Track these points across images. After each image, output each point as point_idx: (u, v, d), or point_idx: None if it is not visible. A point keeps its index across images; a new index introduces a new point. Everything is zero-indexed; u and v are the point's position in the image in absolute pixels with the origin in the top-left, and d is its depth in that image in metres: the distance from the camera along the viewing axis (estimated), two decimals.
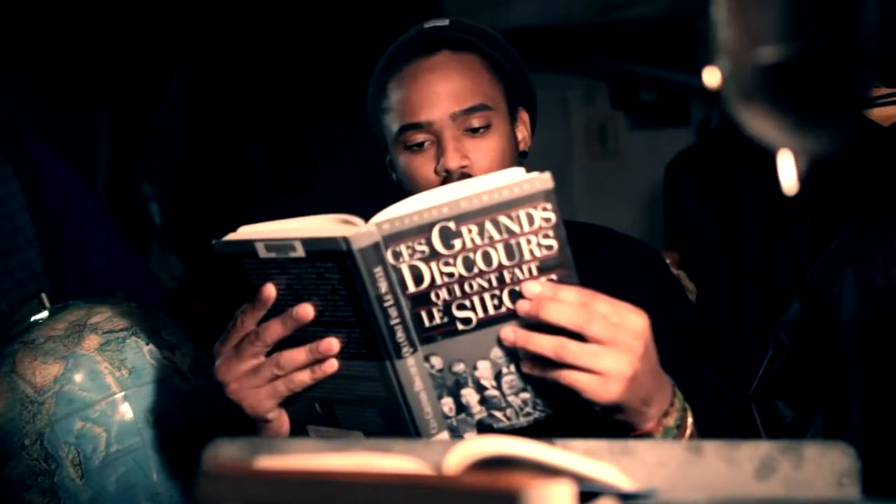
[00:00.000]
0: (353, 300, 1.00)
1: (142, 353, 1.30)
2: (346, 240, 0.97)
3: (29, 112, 3.11)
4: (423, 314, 1.02)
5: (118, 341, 1.30)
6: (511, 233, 1.01)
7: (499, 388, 1.06)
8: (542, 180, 1.00)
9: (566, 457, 0.79)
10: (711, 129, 2.86)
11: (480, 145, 1.32)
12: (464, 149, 1.30)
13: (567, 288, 1.01)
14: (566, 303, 0.99)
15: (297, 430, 1.11)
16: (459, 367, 1.05)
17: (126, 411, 1.26)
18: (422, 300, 1.02)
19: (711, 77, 0.74)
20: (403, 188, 1.37)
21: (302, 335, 1.05)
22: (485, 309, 1.03)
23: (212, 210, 3.60)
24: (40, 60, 3.29)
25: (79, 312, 1.34)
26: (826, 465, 0.85)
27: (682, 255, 2.54)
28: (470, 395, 1.06)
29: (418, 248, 1.00)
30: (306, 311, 1.02)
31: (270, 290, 1.03)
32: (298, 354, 1.04)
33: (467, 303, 1.03)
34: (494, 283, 1.02)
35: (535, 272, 1.02)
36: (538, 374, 1.02)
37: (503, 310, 1.03)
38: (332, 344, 1.03)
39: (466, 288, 1.02)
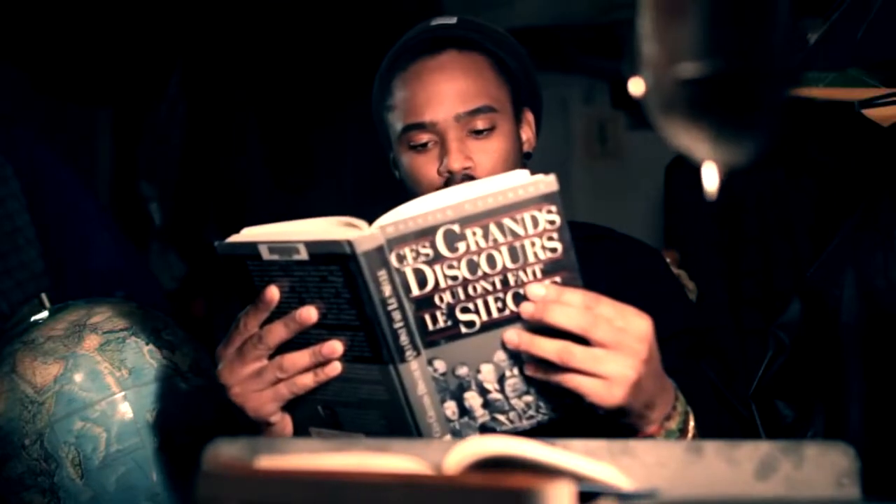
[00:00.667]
0: (357, 303, 1.00)
1: (142, 353, 1.30)
2: (350, 243, 0.96)
3: (29, 112, 3.11)
4: (427, 317, 1.02)
5: (118, 341, 1.30)
6: (515, 235, 1.01)
7: (502, 391, 1.06)
8: (547, 183, 1.00)
9: (566, 457, 0.79)
10: None
11: (484, 147, 1.31)
12: (467, 150, 1.30)
13: (571, 291, 1.00)
14: (571, 306, 0.99)
15: (300, 432, 1.11)
16: (463, 371, 1.05)
17: (126, 411, 1.26)
18: (425, 303, 1.01)
19: (636, 87, 0.76)
20: (406, 187, 1.37)
21: (305, 338, 1.04)
22: (489, 312, 1.03)
23: (212, 210, 3.59)
24: (41, 60, 3.29)
25: (79, 312, 1.34)
26: (826, 465, 0.85)
27: (682, 255, 2.54)
28: (473, 399, 1.06)
29: (422, 251, 1.00)
30: (309, 313, 1.02)
31: (273, 293, 1.03)
32: (301, 357, 1.04)
33: (471, 306, 1.02)
34: (498, 285, 1.02)
35: (539, 275, 1.01)
36: (542, 377, 1.02)
37: (507, 313, 1.02)
38: (336, 347, 1.03)
39: (470, 291, 1.02)
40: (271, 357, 1.05)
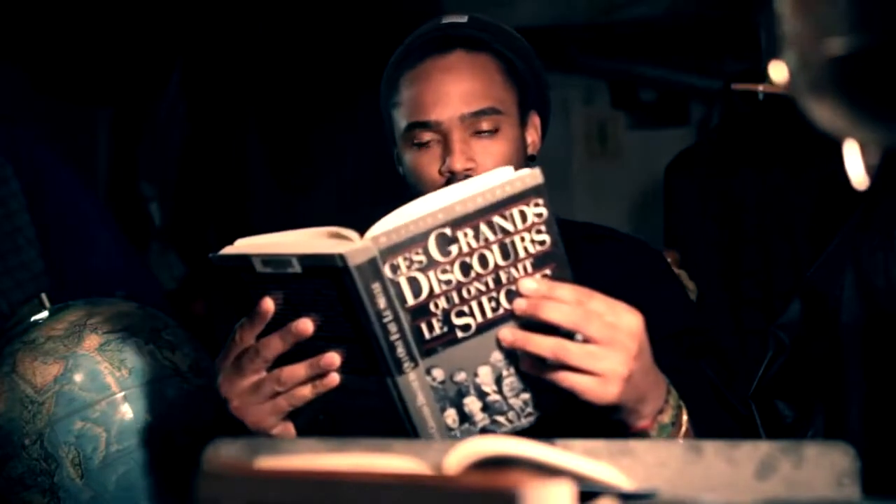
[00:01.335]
0: (352, 316, 0.99)
1: (142, 353, 1.30)
2: (342, 257, 0.95)
3: (29, 111, 3.11)
4: (423, 326, 1.01)
5: (118, 341, 1.30)
6: (506, 232, 1.00)
7: (500, 391, 1.05)
8: (533, 175, 1.00)
9: (566, 457, 0.79)
10: (711, 129, 2.86)
11: (488, 148, 1.31)
12: (470, 151, 1.30)
13: (563, 286, 1.01)
14: (563, 301, 1.00)
15: None
16: (461, 377, 1.04)
17: (126, 411, 1.26)
18: (421, 312, 1.00)
19: (777, 71, 0.73)
20: (408, 183, 1.37)
21: (302, 349, 1.04)
22: (483, 313, 1.02)
23: (212, 210, 3.59)
24: (41, 59, 3.29)
25: (79, 312, 1.34)
26: (826, 465, 0.85)
27: (682, 255, 2.54)
28: (472, 404, 1.05)
29: (416, 258, 0.99)
30: (305, 326, 1.01)
31: (268, 305, 1.02)
32: (299, 370, 1.03)
33: (466, 309, 1.02)
34: (491, 285, 1.01)
35: (529, 269, 1.01)
36: (536, 374, 1.02)
37: (500, 312, 1.02)
38: (333, 359, 1.02)
39: (464, 293, 1.01)
40: (270, 369, 1.05)
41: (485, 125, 1.31)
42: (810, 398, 1.73)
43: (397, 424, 1.04)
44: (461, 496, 0.65)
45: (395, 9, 3.21)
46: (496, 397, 1.05)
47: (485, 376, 1.05)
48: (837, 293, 1.66)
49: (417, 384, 1.02)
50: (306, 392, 1.04)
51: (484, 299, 1.02)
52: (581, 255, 1.40)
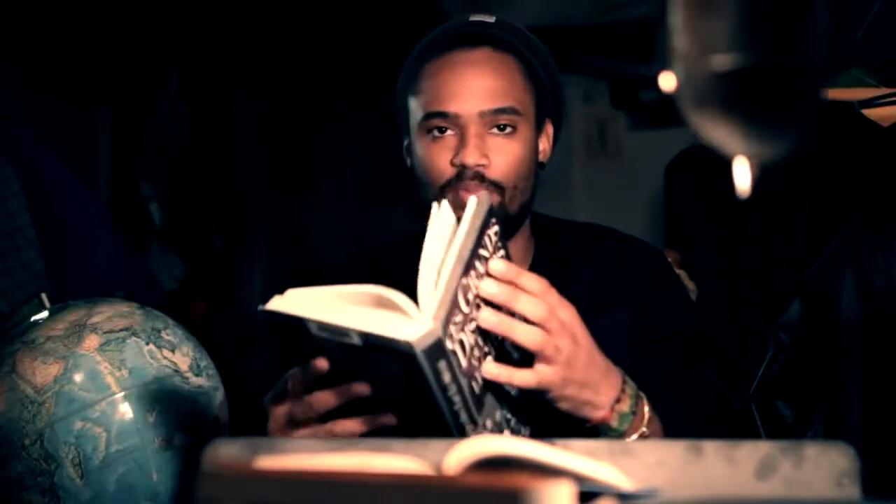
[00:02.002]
0: (415, 389, 0.97)
1: (142, 353, 1.30)
2: (409, 345, 0.92)
3: (29, 111, 3.11)
4: (473, 384, 1.00)
5: (118, 341, 1.30)
6: (485, 259, 1.02)
7: (517, 413, 1.08)
8: (483, 198, 1.02)
9: (566, 457, 0.79)
10: None
11: (502, 147, 1.31)
12: (485, 147, 1.30)
13: (527, 276, 1.05)
14: (532, 294, 1.04)
15: None
16: (497, 416, 1.05)
17: (126, 411, 1.26)
18: (470, 370, 1.00)
19: (667, 82, 0.76)
20: (416, 174, 1.36)
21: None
22: (492, 344, 1.04)
23: (212, 210, 3.59)
24: (41, 59, 3.29)
25: (79, 312, 1.34)
26: (826, 465, 0.85)
27: (682, 255, 2.54)
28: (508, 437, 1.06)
29: (456, 319, 0.97)
30: (363, 390, 1.02)
31: (323, 366, 1.02)
32: (354, 426, 1.05)
33: (486, 349, 1.03)
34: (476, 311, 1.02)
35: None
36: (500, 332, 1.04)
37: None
38: (391, 419, 1.04)
39: (481, 336, 1.02)
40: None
41: (502, 123, 1.31)
42: (810, 398, 1.73)
43: None
44: (461, 496, 0.65)
45: (396, 9, 3.21)
46: (514, 423, 1.08)
47: (504, 407, 1.06)
48: (837, 293, 1.67)
49: None
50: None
51: (489, 333, 1.03)
52: (583, 256, 1.40)
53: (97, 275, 2.16)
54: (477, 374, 1.01)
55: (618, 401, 1.10)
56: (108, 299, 1.41)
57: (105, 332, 1.31)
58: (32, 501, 1.24)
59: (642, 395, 1.14)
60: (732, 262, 2.57)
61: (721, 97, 0.73)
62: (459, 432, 1.00)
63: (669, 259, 1.51)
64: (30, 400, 1.25)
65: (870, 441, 1.60)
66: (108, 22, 3.27)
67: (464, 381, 0.98)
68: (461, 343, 0.98)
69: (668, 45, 0.74)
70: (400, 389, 0.99)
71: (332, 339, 0.97)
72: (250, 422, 1.12)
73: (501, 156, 1.31)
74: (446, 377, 0.96)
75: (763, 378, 1.76)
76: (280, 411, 1.07)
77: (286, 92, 3.73)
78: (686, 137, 3.08)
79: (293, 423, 1.07)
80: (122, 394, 1.27)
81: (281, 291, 1.00)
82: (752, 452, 0.86)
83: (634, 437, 1.10)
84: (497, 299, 1.02)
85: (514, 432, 1.08)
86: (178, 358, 1.34)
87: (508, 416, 1.07)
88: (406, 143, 1.40)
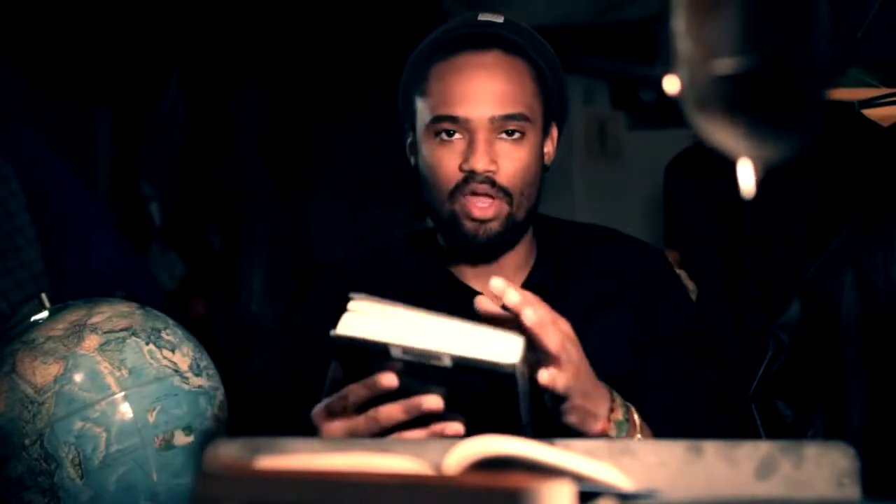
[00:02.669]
0: (497, 402, 1.00)
1: (142, 353, 1.30)
2: (512, 367, 0.96)
3: (29, 111, 3.11)
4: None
5: (118, 341, 1.30)
6: None
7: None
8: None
9: (566, 457, 0.79)
10: None
11: (511, 153, 1.30)
12: (494, 153, 1.29)
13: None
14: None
15: None
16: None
17: (126, 411, 1.26)
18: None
19: (671, 85, 0.76)
20: (421, 174, 1.35)
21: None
22: None
23: (212, 210, 3.59)
24: (41, 59, 3.29)
25: (79, 312, 1.34)
26: (826, 465, 0.85)
27: (682, 255, 2.54)
28: None
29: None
30: (437, 404, 1.01)
31: (393, 383, 1.00)
32: (419, 435, 1.04)
33: None
34: None
35: None
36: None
37: None
38: (459, 430, 1.03)
39: None
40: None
41: (511, 129, 1.30)
42: (810, 398, 1.73)
43: None
44: (461, 496, 0.65)
45: (396, 9, 3.21)
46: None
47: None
48: (837, 293, 1.67)
49: None
50: None
51: None
52: (584, 258, 1.40)
53: (97, 275, 2.16)
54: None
55: (612, 410, 1.11)
56: (108, 299, 1.41)
57: (105, 332, 1.31)
58: (32, 501, 1.24)
59: (629, 404, 1.15)
60: (732, 262, 2.57)
61: (725, 100, 0.73)
62: (525, 434, 1.01)
63: (669, 259, 1.51)
64: (30, 400, 1.25)
65: (870, 441, 1.60)
66: (108, 22, 3.27)
67: (525, 387, 1.02)
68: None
69: (672, 49, 0.75)
70: (474, 402, 1.00)
71: (414, 362, 0.97)
72: (250, 422, 1.11)
73: (510, 161, 1.30)
74: (524, 385, 1.01)
75: (763, 378, 1.76)
76: (336, 427, 1.06)
77: (286, 92, 3.73)
78: (686, 137, 3.09)
79: (353, 438, 1.06)
80: (122, 394, 1.27)
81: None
82: (752, 452, 0.86)
83: None
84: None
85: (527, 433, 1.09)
86: (178, 358, 1.34)
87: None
88: (409, 140, 1.39)
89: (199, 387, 1.34)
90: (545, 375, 1.03)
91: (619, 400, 1.13)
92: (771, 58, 0.71)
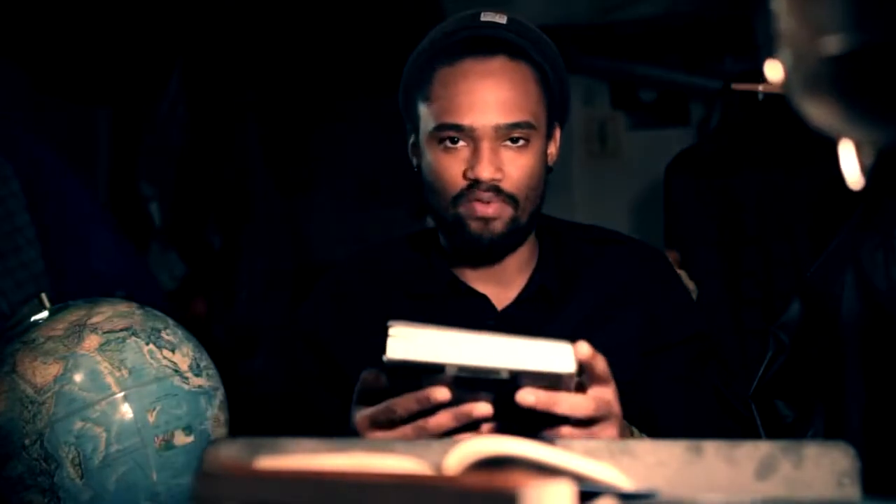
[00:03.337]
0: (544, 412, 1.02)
1: (142, 353, 1.30)
2: (571, 375, 0.99)
3: (29, 111, 3.11)
4: None
5: (118, 341, 1.30)
6: None
7: None
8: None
9: (566, 457, 0.79)
10: (711, 129, 2.87)
11: (516, 160, 1.29)
12: (499, 161, 1.28)
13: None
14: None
15: None
16: None
17: (126, 411, 1.26)
18: None
19: (773, 70, 0.72)
20: (424, 178, 1.34)
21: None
22: None
23: (212, 210, 3.59)
24: (41, 59, 3.29)
25: (79, 312, 1.34)
26: (826, 465, 0.85)
27: (682, 255, 2.54)
28: None
29: None
30: (487, 411, 1.00)
31: (446, 396, 1.00)
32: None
33: None
34: None
35: None
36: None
37: None
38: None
39: None
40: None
41: (516, 137, 1.29)
42: (810, 398, 1.73)
43: None
44: (461, 496, 0.65)
45: (395, 10, 3.21)
46: None
47: None
48: (837, 293, 1.66)
49: None
50: None
51: None
52: (587, 261, 1.40)
53: (97, 275, 2.16)
54: None
55: (631, 433, 1.13)
56: (108, 299, 1.41)
57: (105, 332, 1.31)
58: (32, 501, 1.24)
59: (635, 429, 1.16)
60: (732, 262, 2.57)
61: (832, 81, 0.68)
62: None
63: (669, 259, 1.51)
64: (30, 400, 1.25)
65: (870, 441, 1.60)
66: (108, 22, 3.27)
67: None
68: None
69: (773, 31, 0.70)
70: (517, 406, 1.00)
71: (471, 378, 0.98)
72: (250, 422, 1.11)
73: (515, 168, 1.29)
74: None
75: (763, 378, 1.76)
76: (383, 437, 1.05)
77: (286, 92, 3.73)
78: (686, 137, 3.09)
79: None
80: (122, 394, 1.27)
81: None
82: (752, 452, 0.86)
83: None
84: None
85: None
86: (178, 358, 1.34)
87: None
88: (412, 141, 1.38)
89: (199, 387, 1.34)
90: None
91: (625, 420, 1.11)
92: (882, 34, 0.67)
